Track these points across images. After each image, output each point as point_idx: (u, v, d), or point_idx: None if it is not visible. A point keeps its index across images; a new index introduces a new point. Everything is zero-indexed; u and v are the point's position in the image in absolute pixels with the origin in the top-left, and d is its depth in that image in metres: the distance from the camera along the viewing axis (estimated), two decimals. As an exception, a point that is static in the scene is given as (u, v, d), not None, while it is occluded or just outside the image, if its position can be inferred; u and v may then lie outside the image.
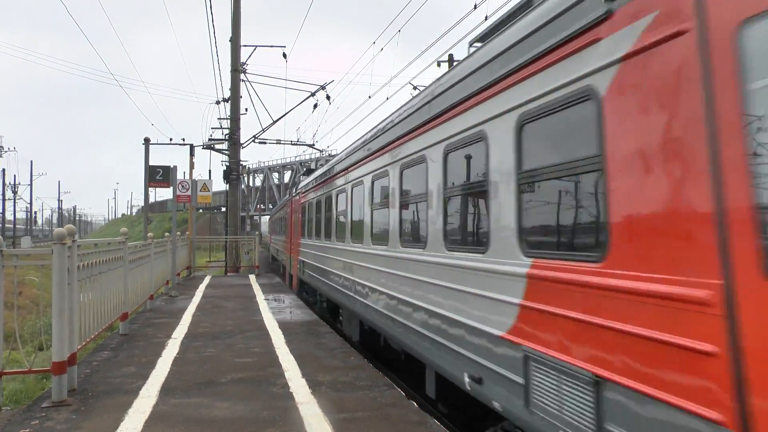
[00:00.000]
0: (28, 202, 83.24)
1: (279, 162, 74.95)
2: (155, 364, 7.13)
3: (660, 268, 2.73)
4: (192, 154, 22.67)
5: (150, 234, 13.05)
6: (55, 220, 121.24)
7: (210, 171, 63.65)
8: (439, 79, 5.84)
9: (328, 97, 25.03)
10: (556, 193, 3.67)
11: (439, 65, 18.86)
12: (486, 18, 12.44)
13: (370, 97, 23.89)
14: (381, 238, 7.58)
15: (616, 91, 3.10)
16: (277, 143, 29.51)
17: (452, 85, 5.30)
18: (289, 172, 72.63)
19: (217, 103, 27.25)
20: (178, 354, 7.71)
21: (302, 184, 17.07)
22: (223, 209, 63.08)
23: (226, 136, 24.75)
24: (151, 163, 17.94)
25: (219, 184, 69.19)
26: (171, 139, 33.08)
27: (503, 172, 4.32)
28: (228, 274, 22.62)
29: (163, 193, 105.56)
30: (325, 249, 11.84)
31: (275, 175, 75.34)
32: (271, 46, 27.04)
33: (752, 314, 2.32)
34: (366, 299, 8.31)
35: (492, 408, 4.46)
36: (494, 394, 4.38)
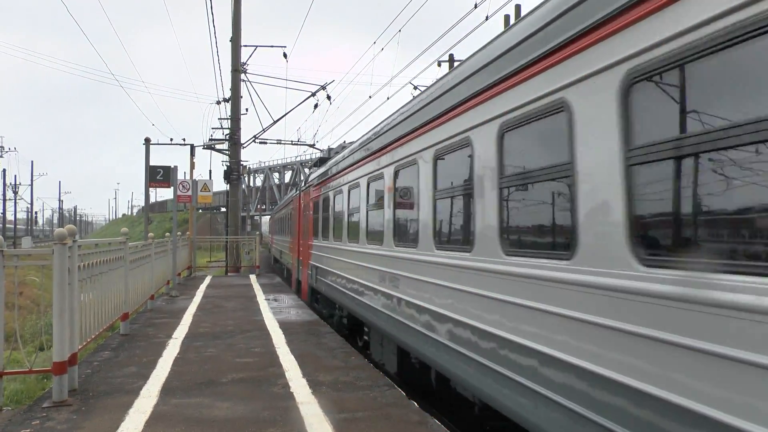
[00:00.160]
0: (29, 202, 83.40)
1: (279, 162, 74.99)
2: (156, 364, 7.14)
3: None
4: (192, 154, 22.69)
5: (150, 234, 13.06)
6: (55, 221, 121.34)
7: (210, 171, 63.83)
8: None
9: (328, 97, 25.05)
10: None
11: (439, 65, 18.86)
12: (486, 18, 12.41)
13: (370, 97, 23.91)
14: (455, 241, 5.35)
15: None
16: (277, 143, 29.54)
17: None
18: (290, 172, 72.63)
19: (218, 103, 27.28)
20: (178, 354, 7.72)
21: (317, 173, 14.15)
22: (223, 209, 63.17)
23: (227, 136, 24.78)
24: (152, 163, 17.95)
25: (219, 184, 69.23)
26: (171, 140, 33.12)
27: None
28: (228, 274, 22.63)
29: (164, 193, 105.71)
30: (350, 254, 9.39)
31: (276, 175, 75.35)
32: (272, 46, 27.08)
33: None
34: (418, 324, 6.04)
35: None
36: None
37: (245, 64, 24.39)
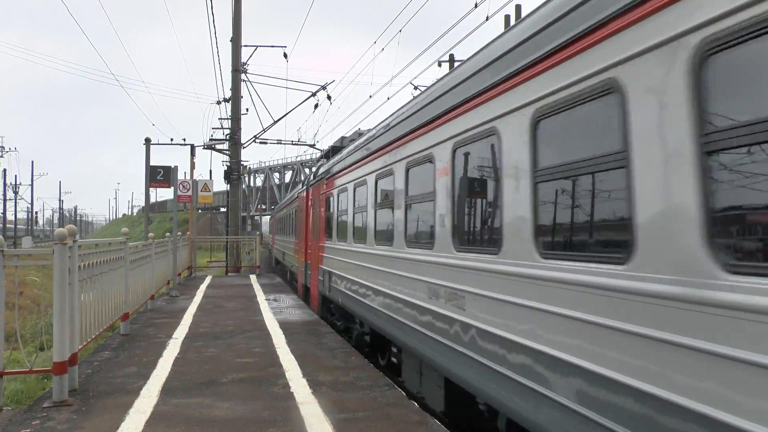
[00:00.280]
0: (29, 202, 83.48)
1: (280, 162, 75.01)
2: (156, 364, 7.14)
3: None
4: (193, 155, 22.70)
5: (151, 234, 13.06)
6: (56, 221, 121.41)
7: (211, 171, 63.85)
8: None
9: (329, 97, 25.06)
10: None
11: (440, 65, 18.87)
12: (487, 18, 12.41)
13: (371, 96, 23.92)
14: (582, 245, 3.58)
15: None
16: (277, 143, 29.55)
17: None
18: (290, 172, 72.65)
19: (218, 103, 27.29)
20: (179, 354, 7.72)
21: (329, 164, 12.04)
22: (223, 209, 63.24)
23: (227, 136, 24.79)
24: (152, 163, 17.95)
25: (220, 184, 69.25)
26: (172, 140, 33.17)
27: None
28: (229, 274, 22.63)
29: (164, 193, 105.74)
30: (381, 260, 7.51)
31: (276, 175, 75.35)
32: (272, 46, 27.16)
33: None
34: (494, 361, 4.39)
35: None
36: None
37: (245, 64, 24.40)
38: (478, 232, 4.90)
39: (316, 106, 25.68)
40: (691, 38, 2.59)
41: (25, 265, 6.41)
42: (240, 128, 24.14)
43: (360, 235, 8.74)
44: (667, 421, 2.64)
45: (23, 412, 5.38)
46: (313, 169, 15.85)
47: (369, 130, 9.15)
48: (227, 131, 25.26)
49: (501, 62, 4.36)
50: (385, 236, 7.41)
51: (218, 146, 25.44)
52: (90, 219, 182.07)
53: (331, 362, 7.27)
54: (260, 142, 26.85)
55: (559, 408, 3.44)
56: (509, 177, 4.21)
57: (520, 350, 3.94)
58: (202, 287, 16.98)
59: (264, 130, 25.86)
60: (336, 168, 11.00)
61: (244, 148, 24.53)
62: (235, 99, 23.99)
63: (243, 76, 24.22)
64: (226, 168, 24.27)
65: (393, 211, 7.08)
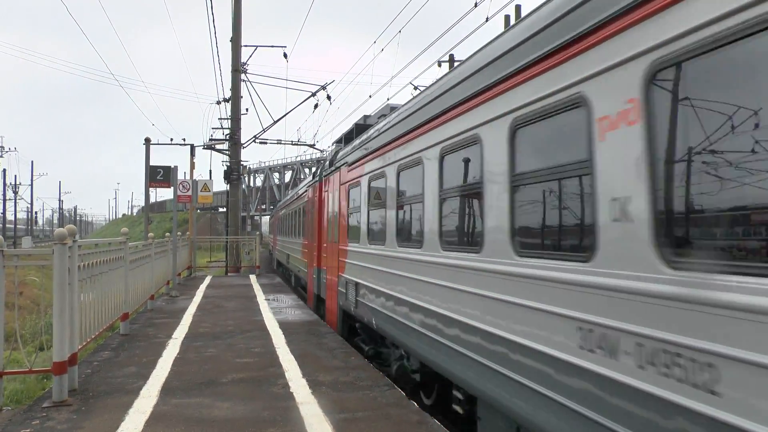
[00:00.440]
0: (29, 202, 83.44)
1: (280, 162, 75.05)
2: (156, 364, 7.14)
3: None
4: (192, 155, 22.70)
5: (150, 234, 13.06)
6: (55, 221, 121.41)
7: (210, 171, 63.82)
8: None
9: (328, 97, 25.06)
10: None
11: (440, 65, 18.85)
12: (487, 20, 12.40)
13: (370, 96, 23.91)
14: None
15: None
16: (277, 143, 29.55)
17: None
18: (290, 172, 72.67)
19: (218, 103, 27.29)
20: (178, 354, 7.72)
21: (356, 145, 9.32)
22: (221, 209, 63.24)
23: (227, 136, 24.80)
24: (152, 163, 17.95)
25: (220, 184, 69.28)
26: (171, 140, 33.17)
27: None
28: (229, 274, 22.63)
29: (164, 194, 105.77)
30: (446, 273, 5.36)
31: (276, 175, 75.38)
32: (272, 47, 27.16)
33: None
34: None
35: None
36: None
37: (245, 64, 24.41)
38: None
39: (316, 106, 25.68)
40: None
41: (24, 265, 6.41)
42: (240, 128, 24.15)
43: (412, 237, 6.43)
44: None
45: (23, 412, 5.38)
46: (326, 157, 13.66)
47: (421, 94, 6.52)
48: (227, 131, 25.27)
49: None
50: (464, 239, 5.11)
51: (218, 146, 25.45)
52: (90, 219, 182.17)
53: (331, 362, 7.27)
54: (260, 142, 26.86)
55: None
56: None
57: None
58: (202, 287, 16.98)
59: (264, 130, 25.87)
60: (369, 147, 8.27)
61: (243, 148, 24.54)
62: (235, 99, 24.00)
63: (243, 76, 24.23)
64: (225, 168, 24.27)
65: (484, 201, 4.63)
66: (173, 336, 9.04)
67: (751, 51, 2.34)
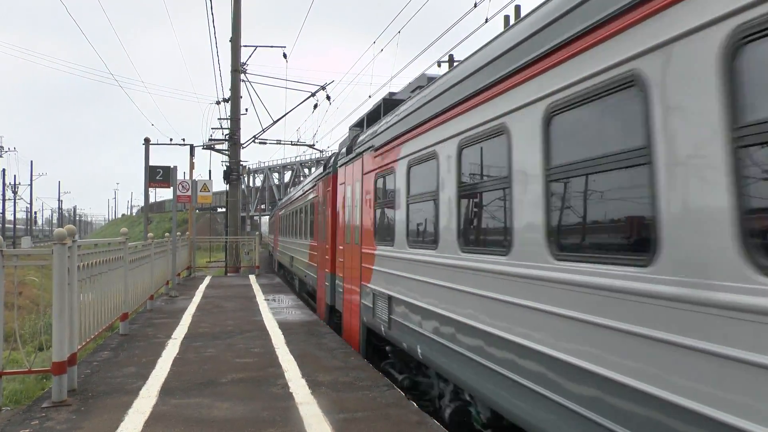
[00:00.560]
0: (28, 202, 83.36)
1: (279, 162, 75.09)
2: (155, 364, 7.14)
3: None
4: (192, 155, 22.72)
5: (150, 234, 13.06)
6: (55, 221, 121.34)
7: (210, 171, 63.61)
8: None
9: (328, 98, 25.05)
10: None
11: (439, 65, 18.85)
12: (486, 20, 12.40)
13: (370, 96, 23.88)
14: None
15: None
16: (277, 143, 29.55)
17: None
18: (289, 172, 72.71)
19: (218, 103, 27.29)
20: (178, 354, 7.72)
21: (387, 123, 7.62)
22: (220, 209, 63.22)
23: (226, 137, 24.79)
24: (151, 163, 17.95)
25: (219, 185, 69.24)
26: (171, 140, 33.18)
27: None
28: (228, 274, 22.62)
29: (163, 194, 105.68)
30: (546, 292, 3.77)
31: (275, 175, 75.42)
32: (272, 47, 27.13)
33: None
34: None
35: None
36: None
37: (245, 64, 24.40)
38: None
39: (316, 106, 25.68)
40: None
41: (24, 265, 6.41)
42: (239, 128, 24.14)
43: (488, 239, 4.69)
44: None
45: (22, 412, 5.37)
46: (340, 146, 11.38)
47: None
48: (226, 131, 25.26)
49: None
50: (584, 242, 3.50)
51: (217, 146, 25.44)
52: (89, 219, 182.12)
53: (331, 362, 7.27)
54: (259, 143, 26.85)
55: None
56: None
57: None
58: (202, 287, 16.97)
59: (263, 131, 25.87)
60: (411, 122, 6.39)
61: (243, 148, 24.53)
62: (235, 99, 23.99)
63: (242, 76, 24.23)
64: (225, 168, 24.27)
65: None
66: (173, 336, 9.03)
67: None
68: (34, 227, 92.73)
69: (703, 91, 2.58)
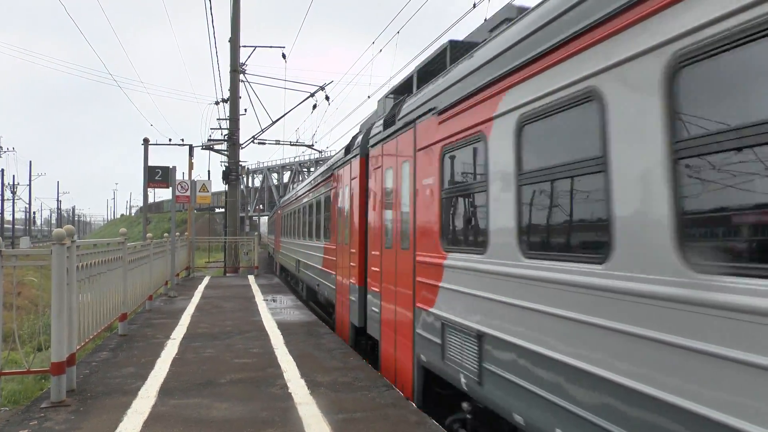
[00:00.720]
0: (27, 202, 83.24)
1: (278, 163, 75.10)
2: (154, 364, 7.13)
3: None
4: (191, 155, 22.68)
5: (149, 234, 13.05)
6: (54, 221, 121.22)
7: (209, 171, 63.49)
8: None
9: (327, 98, 25.07)
10: None
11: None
12: (486, 20, 12.38)
13: (369, 97, 23.89)
14: None
15: None
16: (276, 144, 29.59)
17: None
18: (288, 172, 72.71)
19: (217, 103, 27.27)
20: (177, 355, 7.71)
21: (457, 78, 5.26)
22: (218, 210, 63.24)
23: (225, 137, 24.78)
24: (151, 163, 17.95)
25: (218, 185, 69.19)
26: (170, 140, 33.12)
27: None
28: (227, 274, 22.62)
29: (162, 194, 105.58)
30: None
31: (274, 175, 75.43)
32: (271, 47, 27.09)
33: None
34: None
35: None
36: None
37: (244, 64, 24.40)
38: None
39: (315, 106, 25.68)
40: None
41: (23, 266, 6.41)
42: (238, 129, 24.13)
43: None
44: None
45: (21, 412, 5.37)
46: (365, 125, 9.50)
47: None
48: (225, 132, 25.25)
49: None
50: None
51: (216, 146, 25.43)
52: (88, 219, 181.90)
53: (329, 363, 7.27)
54: (259, 143, 26.86)
55: None
56: None
57: None
58: (201, 288, 16.96)
59: (262, 131, 25.87)
60: (524, 51, 4.13)
61: (242, 148, 24.53)
62: (234, 99, 23.98)
63: (241, 76, 24.22)
64: (224, 168, 24.26)
65: None
66: (171, 336, 9.03)
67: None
68: (32, 227, 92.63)
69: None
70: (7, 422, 5.07)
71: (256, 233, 42.95)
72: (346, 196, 9.95)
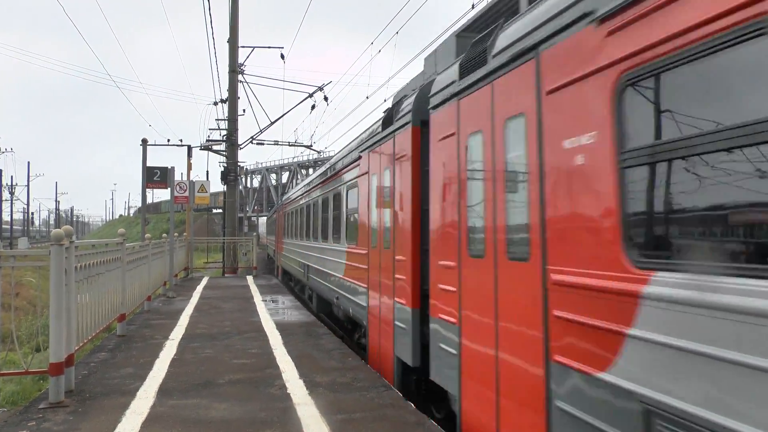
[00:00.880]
0: (25, 203, 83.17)
1: (277, 163, 75.07)
2: (153, 365, 7.13)
3: None
4: (190, 155, 22.67)
5: (148, 235, 13.05)
6: (52, 221, 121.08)
7: (207, 172, 63.45)
8: None
9: (325, 98, 25.06)
10: None
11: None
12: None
13: (367, 97, 23.90)
14: None
15: None
16: (274, 144, 29.58)
17: None
18: (287, 173, 72.67)
19: (215, 104, 27.26)
20: (175, 355, 7.71)
21: None
22: (215, 210, 63.08)
23: (224, 137, 24.77)
24: (149, 164, 17.94)
25: (217, 185, 69.08)
26: (168, 140, 33.12)
27: None
28: (226, 275, 22.61)
29: (160, 194, 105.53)
30: None
31: (273, 176, 75.39)
32: (269, 47, 27.07)
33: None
34: None
35: None
36: None
37: (243, 65, 24.40)
38: None
39: (313, 107, 25.68)
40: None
41: (21, 266, 6.41)
42: (237, 129, 24.12)
43: None
44: None
45: (19, 413, 5.37)
46: (409, 88, 7.63)
47: None
48: (224, 132, 25.25)
49: None
50: None
51: (215, 147, 25.44)
52: (86, 220, 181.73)
53: (328, 363, 7.27)
54: (257, 143, 26.85)
55: None
56: None
57: None
58: (199, 288, 16.95)
59: (261, 131, 25.86)
60: None
61: (241, 149, 24.54)
62: (232, 100, 23.98)
63: (240, 77, 24.22)
64: (222, 169, 24.25)
65: None
66: (170, 337, 9.02)
67: None
68: (31, 228, 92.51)
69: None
70: (6, 423, 5.06)
71: (254, 234, 42.93)
72: (384, 183, 7.53)
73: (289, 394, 5.87)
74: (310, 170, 63.90)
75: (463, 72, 5.09)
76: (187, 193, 18.73)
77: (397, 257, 6.85)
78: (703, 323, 2.44)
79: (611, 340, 3.01)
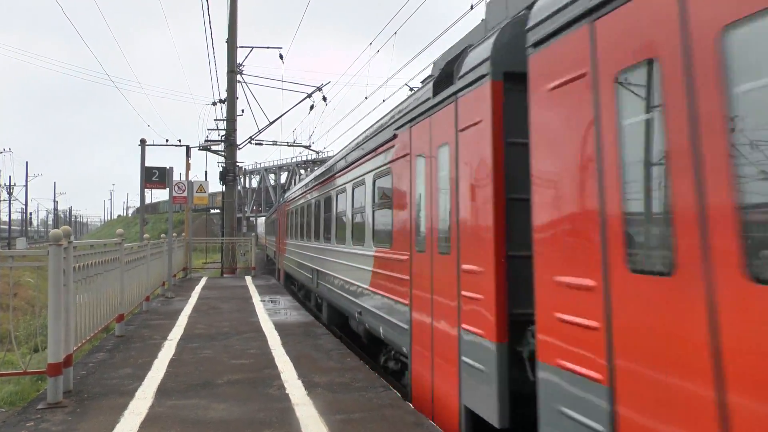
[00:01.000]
0: (24, 203, 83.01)
1: (275, 163, 75.04)
2: (151, 365, 7.12)
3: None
4: (188, 156, 22.65)
5: (146, 235, 13.04)
6: (50, 222, 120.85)
7: (206, 172, 63.67)
8: None
9: (324, 99, 25.07)
10: None
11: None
12: (483, 21, 12.40)
13: (366, 98, 23.90)
14: None
15: None
16: (273, 144, 29.55)
17: None
18: (286, 173, 72.63)
19: (214, 104, 27.25)
20: (174, 355, 7.70)
21: None
22: (213, 210, 63.04)
23: (223, 138, 24.76)
24: (148, 164, 17.93)
25: (215, 186, 69.05)
26: (167, 140, 33.10)
27: None
28: (224, 275, 22.59)
29: (159, 195, 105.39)
30: None
31: (272, 176, 75.36)
32: (268, 48, 27.07)
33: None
34: None
35: None
36: None
37: (241, 65, 24.40)
38: None
39: (312, 107, 25.68)
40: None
41: (19, 266, 6.40)
42: (235, 129, 24.11)
43: None
44: None
45: (17, 413, 5.36)
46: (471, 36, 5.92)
47: None
48: (223, 132, 25.24)
49: None
50: None
51: (214, 147, 25.42)
52: (85, 220, 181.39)
53: (327, 363, 7.27)
54: (256, 143, 26.84)
55: None
56: None
57: None
58: (198, 288, 16.94)
59: (260, 131, 25.85)
60: None
61: (239, 149, 24.51)
62: (231, 100, 23.97)
63: (239, 77, 24.21)
64: (221, 169, 24.24)
65: None
66: (169, 337, 9.02)
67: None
68: (29, 228, 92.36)
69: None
70: (4, 423, 5.05)
71: (253, 234, 42.87)
72: (438, 165, 5.68)
73: (287, 394, 5.87)
74: (309, 171, 63.84)
75: None
76: (185, 194, 18.72)
77: (463, 266, 5.00)
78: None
79: None
